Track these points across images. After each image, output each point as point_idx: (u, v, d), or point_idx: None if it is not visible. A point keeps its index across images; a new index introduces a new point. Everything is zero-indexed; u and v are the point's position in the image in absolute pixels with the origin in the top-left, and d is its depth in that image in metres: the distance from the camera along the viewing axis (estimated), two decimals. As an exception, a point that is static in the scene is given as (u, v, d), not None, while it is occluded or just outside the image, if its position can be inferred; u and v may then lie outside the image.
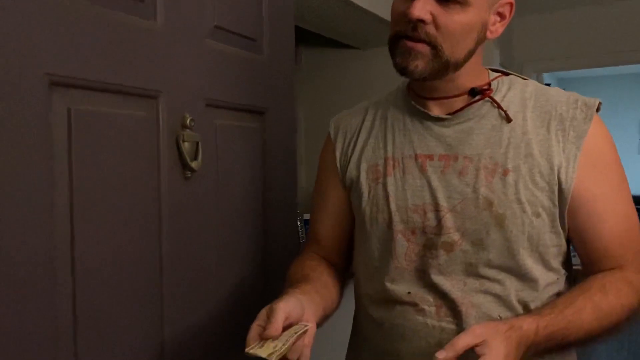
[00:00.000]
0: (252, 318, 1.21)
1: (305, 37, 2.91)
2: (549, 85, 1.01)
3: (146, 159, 0.96)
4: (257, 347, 0.76)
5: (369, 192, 1.00)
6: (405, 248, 0.95)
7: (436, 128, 0.97)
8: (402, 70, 0.91)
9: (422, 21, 0.86)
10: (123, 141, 0.92)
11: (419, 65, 0.88)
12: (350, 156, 1.04)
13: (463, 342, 0.77)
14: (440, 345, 0.92)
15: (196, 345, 1.08)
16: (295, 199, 1.40)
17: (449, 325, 0.93)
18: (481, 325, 0.81)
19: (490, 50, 3.32)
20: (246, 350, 0.76)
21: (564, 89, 1.00)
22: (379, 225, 0.98)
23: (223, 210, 1.14)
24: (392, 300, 0.97)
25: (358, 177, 1.02)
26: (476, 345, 0.77)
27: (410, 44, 0.88)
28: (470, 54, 0.91)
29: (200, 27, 1.08)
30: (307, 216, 2.45)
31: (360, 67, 3.18)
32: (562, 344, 0.85)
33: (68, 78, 0.82)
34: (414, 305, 0.95)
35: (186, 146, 1.03)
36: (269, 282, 1.28)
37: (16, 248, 0.76)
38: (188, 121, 1.03)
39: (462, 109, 0.95)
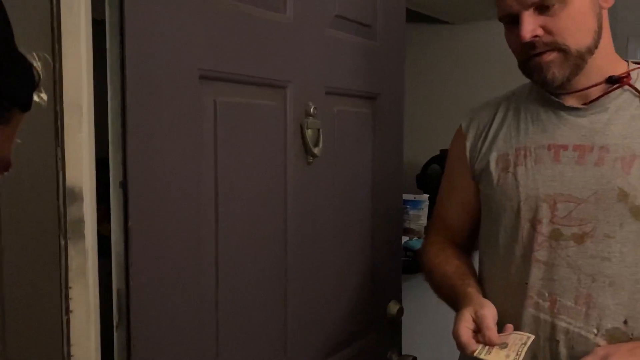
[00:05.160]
0: (362, 298, 1.28)
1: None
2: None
3: (275, 145, 1.02)
4: (485, 352, 0.84)
5: (498, 181, 1.01)
6: (531, 237, 0.96)
7: (571, 118, 0.96)
8: (543, 84, 0.94)
9: (535, 37, 0.90)
10: (257, 129, 0.98)
11: (555, 72, 0.91)
12: (481, 147, 1.06)
13: None
14: (550, 341, 0.93)
15: (316, 319, 1.15)
16: (401, 183, 1.43)
17: (560, 322, 0.93)
18: (605, 347, 0.84)
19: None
20: (475, 353, 0.84)
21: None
22: (506, 213, 0.99)
23: (339, 194, 1.19)
24: (509, 289, 0.99)
25: (487, 166, 1.04)
26: None
27: (537, 59, 0.92)
28: (597, 33, 0.92)
29: (323, 17, 1.12)
30: (404, 196, 2.45)
31: (451, 43, 3.10)
32: None
33: (214, 72, 0.89)
34: (529, 297, 0.96)
35: (309, 133, 1.08)
36: (375, 263, 1.33)
37: (170, 224, 0.84)
38: (312, 109, 1.08)
39: (598, 98, 0.94)
